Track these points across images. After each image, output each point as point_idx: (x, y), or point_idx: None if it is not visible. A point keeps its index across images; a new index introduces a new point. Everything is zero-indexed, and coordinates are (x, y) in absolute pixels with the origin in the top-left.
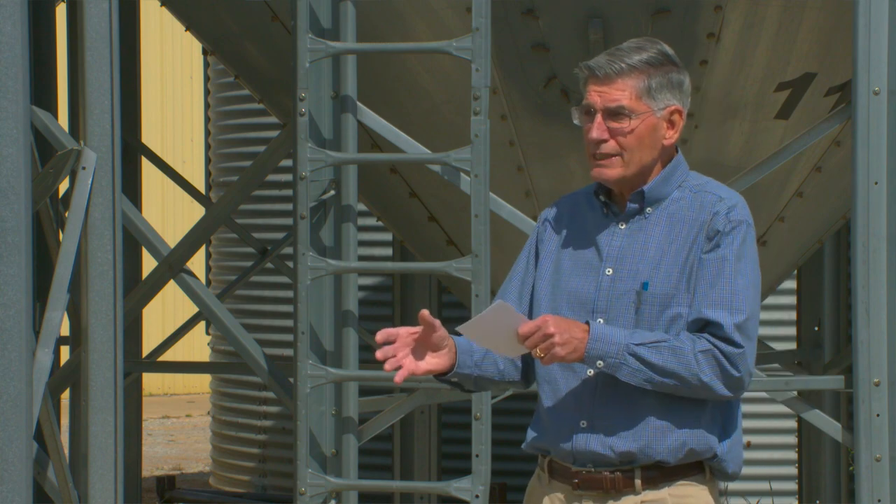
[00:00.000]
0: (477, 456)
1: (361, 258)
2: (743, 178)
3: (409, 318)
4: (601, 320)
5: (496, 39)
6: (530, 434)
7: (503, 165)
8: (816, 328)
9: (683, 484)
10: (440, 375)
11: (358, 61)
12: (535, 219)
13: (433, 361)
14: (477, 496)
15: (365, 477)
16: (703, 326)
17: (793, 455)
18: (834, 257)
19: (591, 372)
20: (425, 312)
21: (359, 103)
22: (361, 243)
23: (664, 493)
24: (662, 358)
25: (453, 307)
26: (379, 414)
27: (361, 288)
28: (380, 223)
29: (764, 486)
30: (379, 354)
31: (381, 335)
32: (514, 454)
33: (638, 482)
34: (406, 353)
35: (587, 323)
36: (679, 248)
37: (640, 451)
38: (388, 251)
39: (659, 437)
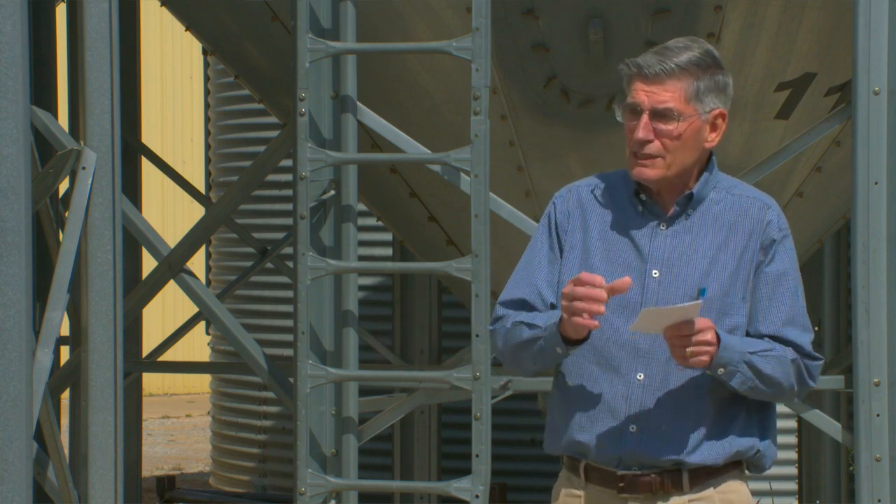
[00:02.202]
0: (477, 456)
1: (361, 258)
2: (743, 178)
3: (409, 318)
4: None
5: (496, 39)
6: (561, 436)
7: (503, 165)
8: (816, 328)
9: (729, 481)
10: (575, 341)
11: (358, 61)
12: (535, 219)
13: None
14: (477, 496)
15: (365, 477)
16: (780, 343)
17: (793, 455)
18: (834, 257)
19: (640, 377)
20: (628, 281)
21: (359, 103)
22: (361, 243)
23: (710, 492)
24: (770, 367)
25: (453, 307)
26: (379, 414)
27: (361, 288)
28: (380, 223)
29: (764, 486)
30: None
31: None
32: (514, 454)
33: (686, 483)
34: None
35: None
36: (729, 254)
37: (692, 455)
38: (388, 251)
39: (709, 440)
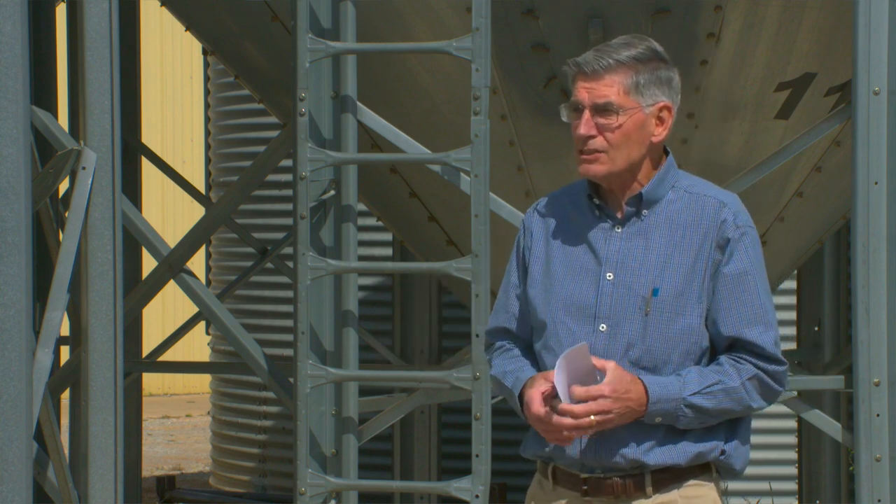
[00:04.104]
0: (477, 456)
1: (361, 258)
2: (743, 178)
3: (409, 318)
4: (604, 327)
5: (496, 39)
6: (532, 441)
7: (503, 165)
8: (816, 328)
9: (693, 484)
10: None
11: (358, 61)
12: None
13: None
14: (477, 496)
15: (365, 477)
16: (742, 346)
17: (793, 455)
18: (834, 257)
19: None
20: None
21: (359, 103)
22: (361, 243)
23: (674, 494)
24: (716, 401)
25: (453, 307)
26: (379, 414)
27: (361, 288)
28: (380, 223)
29: (764, 486)
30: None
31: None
32: (514, 454)
33: (649, 487)
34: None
35: (642, 382)
36: (683, 254)
37: (651, 458)
38: (388, 251)
39: (666, 441)
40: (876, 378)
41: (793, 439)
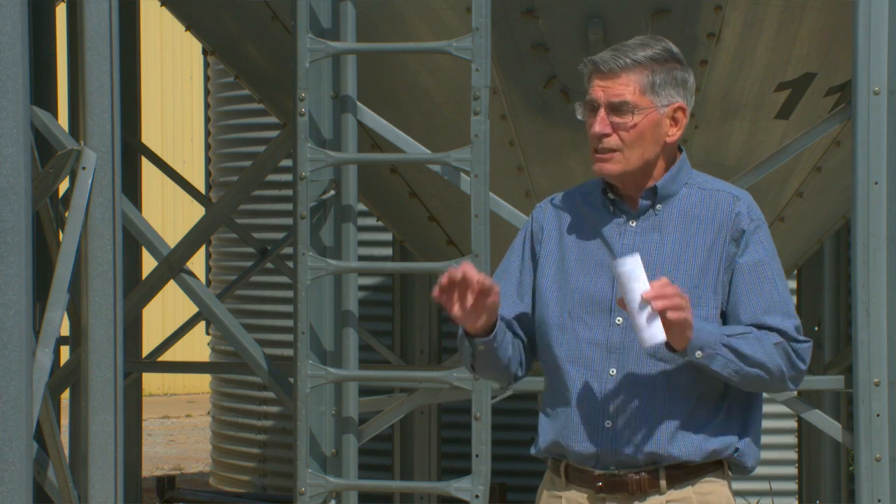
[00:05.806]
0: (477, 456)
1: (361, 258)
2: (743, 178)
3: (409, 318)
4: (619, 320)
5: (496, 39)
6: (543, 437)
7: (503, 165)
8: (816, 328)
9: (706, 481)
10: (472, 336)
11: (358, 61)
12: None
13: (480, 325)
14: (477, 496)
15: (365, 477)
16: (763, 328)
17: (793, 455)
18: (834, 257)
19: (612, 372)
20: (476, 282)
21: (359, 103)
22: (361, 243)
23: (688, 491)
24: (752, 348)
25: None
26: (379, 414)
27: (361, 288)
28: (380, 223)
29: (764, 486)
30: (437, 294)
31: (447, 278)
32: (514, 454)
33: (663, 483)
34: (465, 303)
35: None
36: (697, 248)
37: (666, 452)
38: (388, 251)
39: (683, 435)
40: (876, 378)
41: (793, 439)
